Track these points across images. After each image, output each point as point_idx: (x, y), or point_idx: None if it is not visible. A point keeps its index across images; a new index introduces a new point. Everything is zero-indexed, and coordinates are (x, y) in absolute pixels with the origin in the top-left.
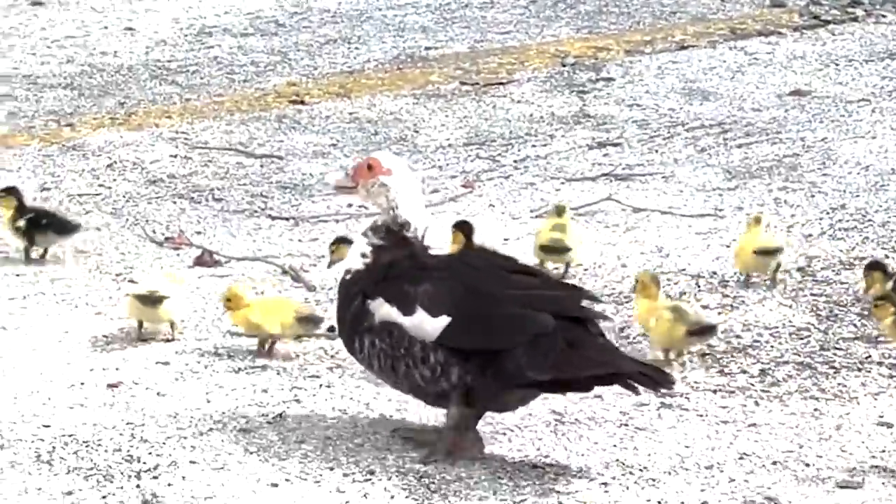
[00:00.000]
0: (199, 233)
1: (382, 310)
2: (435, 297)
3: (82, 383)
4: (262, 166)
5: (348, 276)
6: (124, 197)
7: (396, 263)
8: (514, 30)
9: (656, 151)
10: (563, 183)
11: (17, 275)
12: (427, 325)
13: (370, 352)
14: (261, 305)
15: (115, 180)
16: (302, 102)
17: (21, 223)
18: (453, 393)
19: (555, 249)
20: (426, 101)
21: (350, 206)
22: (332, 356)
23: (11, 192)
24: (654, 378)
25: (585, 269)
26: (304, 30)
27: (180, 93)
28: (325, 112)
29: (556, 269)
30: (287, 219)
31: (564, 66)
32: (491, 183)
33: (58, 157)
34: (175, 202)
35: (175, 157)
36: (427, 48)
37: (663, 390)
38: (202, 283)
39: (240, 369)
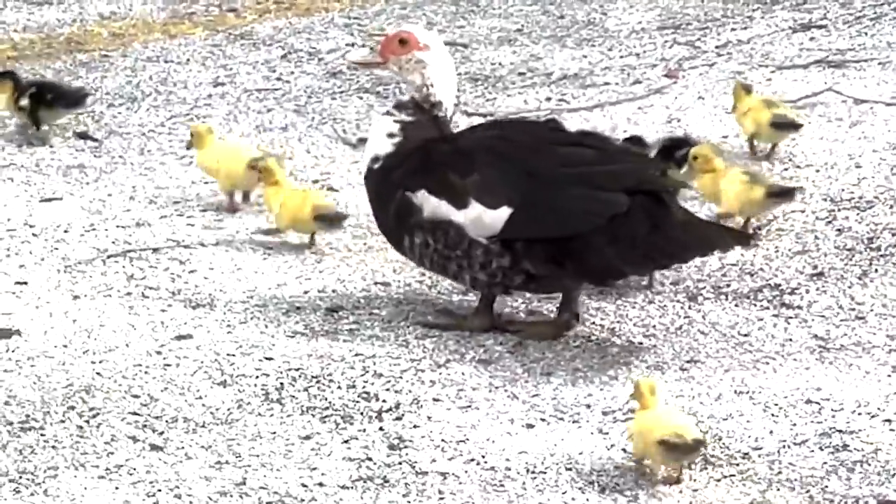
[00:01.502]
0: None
1: (430, 204)
2: (488, 186)
3: (298, 308)
4: None
5: (377, 164)
6: (306, 92)
7: (431, 148)
8: None
9: (865, 34)
10: (773, 71)
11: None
12: (486, 218)
13: (422, 251)
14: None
15: (292, 73)
16: None
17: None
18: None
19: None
20: None
21: (549, 99)
22: None
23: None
24: (739, 243)
25: (817, 171)
26: None
27: None
28: None
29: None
30: (484, 115)
31: None
32: (695, 72)
33: (227, 48)
34: (361, 97)
35: (353, 45)
36: None
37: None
38: None
39: (464, 290)
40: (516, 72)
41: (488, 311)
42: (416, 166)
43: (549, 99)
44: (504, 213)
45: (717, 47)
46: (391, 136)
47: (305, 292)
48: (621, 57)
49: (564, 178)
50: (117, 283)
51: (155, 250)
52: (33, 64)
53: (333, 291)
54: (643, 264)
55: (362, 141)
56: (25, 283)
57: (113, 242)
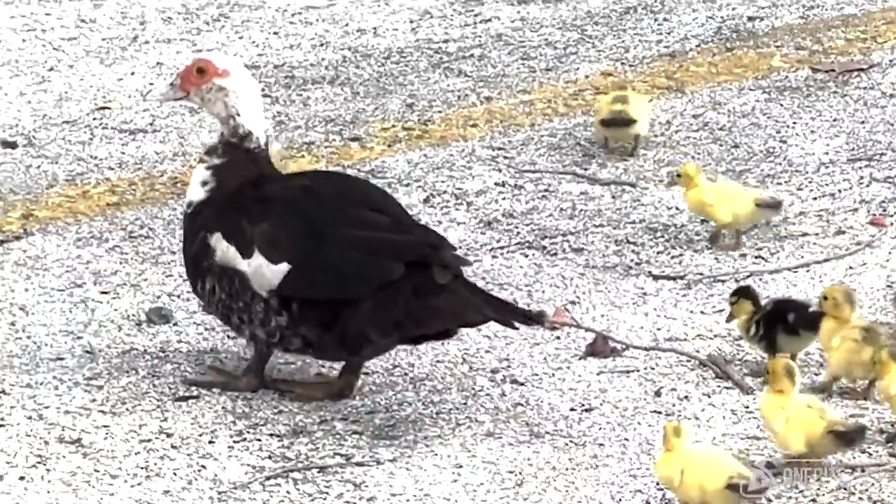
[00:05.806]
0: (572, 302)
1: (221, 247)
2: (273, 238)
3: None
4: (613, 198)
5: (189, 210)
6: (461, 246)
7: (241, 191)
8: None
9: None
10: None
11: None
12: (266, 271)
13: (210, 298)
14: None
15: (440, 223)
16: None
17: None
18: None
19: (616, 122)
20: (778, 95)
21: (744, 256)
22: None
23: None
24: (513, 318)
25: None
26: None
27: (474, 88)
28: (661, 115)
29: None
30: (674, 278)
31: None
32: None
33: None
34: (526, 255)
35: (503, 185)
36: (750, 18)
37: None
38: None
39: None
40: (697, 219)
41: (259, 370)
42: (219, 209)
43: (743, 255)
44: (283, 268)
45: None
46: (204, 183)
47: None
48: (814, 199)
49: (347, 240)
50: None
51: (322, 469)
52: (137, 212)
53: None
54: (388, 332)
55: (541, 316)
56: None
57: (269, 457)
